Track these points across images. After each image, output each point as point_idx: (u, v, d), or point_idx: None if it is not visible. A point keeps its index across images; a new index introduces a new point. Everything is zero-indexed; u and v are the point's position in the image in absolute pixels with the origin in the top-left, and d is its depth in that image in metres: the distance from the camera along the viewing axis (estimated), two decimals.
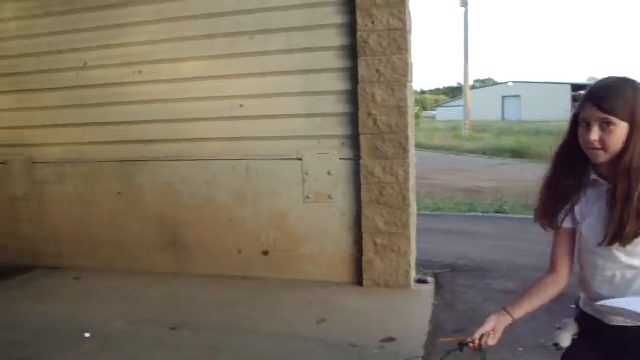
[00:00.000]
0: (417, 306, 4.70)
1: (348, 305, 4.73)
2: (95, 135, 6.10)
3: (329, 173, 5.24)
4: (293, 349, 3.94)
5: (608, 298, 1.71)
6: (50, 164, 6.31)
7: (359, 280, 5.19)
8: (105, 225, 6.12)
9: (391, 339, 3.98)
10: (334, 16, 5.06)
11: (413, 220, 5.13)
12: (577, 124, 1.71)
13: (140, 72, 5.81)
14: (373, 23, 4.86)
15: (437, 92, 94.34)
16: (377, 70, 4.89)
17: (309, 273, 5.36)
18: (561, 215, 1.81)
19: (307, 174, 5.31)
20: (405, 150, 4.92)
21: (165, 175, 5.87)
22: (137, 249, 5.99)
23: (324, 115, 5.20)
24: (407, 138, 4.91)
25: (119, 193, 6.06)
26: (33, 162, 6.38)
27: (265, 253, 5.54)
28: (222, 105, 5.53)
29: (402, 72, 4.85)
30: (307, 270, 5.38)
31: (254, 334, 4.22)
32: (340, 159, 5.19)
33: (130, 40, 5.81)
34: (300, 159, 5.31)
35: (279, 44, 5.26)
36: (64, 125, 6.19)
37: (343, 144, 5.17)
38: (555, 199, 1.81)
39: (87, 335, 4.30)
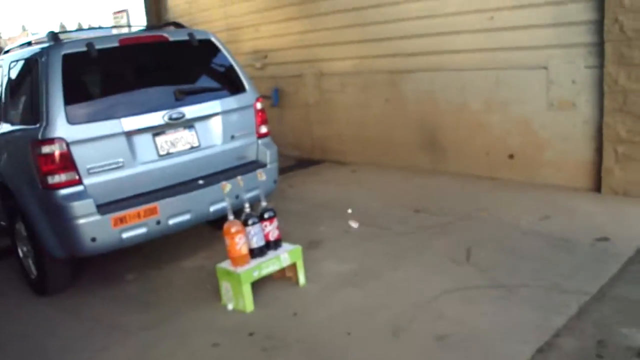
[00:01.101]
0: None
1: (576, 208, 4.96)
2: (371, 50, 7.09)
3: (573, 81, 5.32)
4: (510, 236, 4.47)
5: None
6: (335, 75, 7.58)
7: (596, 187, 5.28)
8: (376, 127, 7.20)
9: (605, 239, 4.21)
10: None
11: None
12: None
13: None
14: None
15: None
16: None
17: (550, 177, 5.63)
18: None
19: (552, 82, 5.47)
20: None
21: (425, 83, 6.59)
22: (400, 148, 6.96)
23: (569, 24, 5.22)
24: None
25: (386, 100, 7.03)
26: (322, 75, 7.73)
27: (511, 156, 5.95)
28: (475, 19, 5.93)
29: None
30: (547, 174, 5.65)
31: (483, 221, 4.84)
32: (585, 67, 5.21)
33: None
34: (546, 68, 5.48)
35: None
36: (346, 43, 7.33)
37: (589, 52, 5.17)
38: None
39: (350, 210, 5.47)
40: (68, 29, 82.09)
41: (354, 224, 5.09)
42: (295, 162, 8.01)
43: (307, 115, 8.09)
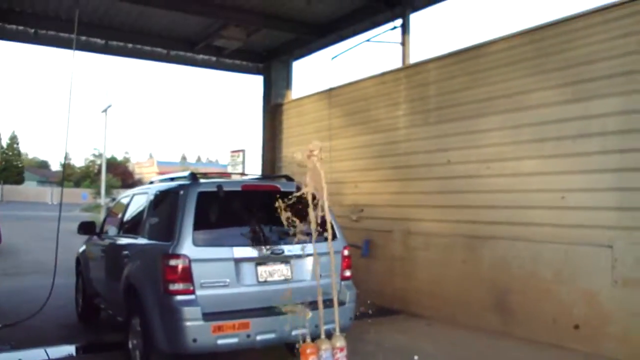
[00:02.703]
0: None
1: None
2: (452, 215, 7.89)
3: (636, 261, 5.77)
4: None
5: None
6: (420, 234, 8.38)
7: None
8: (453, 286, 7.77)
9: None
10: None
11: None
12: None
13: (488, 167, 7.38)
14: None
15: None
16: None
17: (612, 350, 5.88)
18: None
19: (616, 260, 5.94)
20: None
21: (500, 250, 7.20)
22: (474, 308, 7.43)
23: (633, 209, 5.81)
24: None
25: (463, 261, 7.66)
26: (409, 233, 8.56)
27: (576, 327, 6.28)
28: (548, 197, 6.64)
29: None
30: (611, 347, 5.91)
31: None
32: None
33: (482, 143, 7.47)
34: (611, 247, 5.98)
35: (596, 146, 6.15)
36: (431, 206, 8.21)
37: None
38: None
39: (416, 357, 5.97)
40: (188, 160, 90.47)
41: (416, 358, 5.63)
42: (375, 310, 8.59)
43: (392, 267, 8.82)
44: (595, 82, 6.18)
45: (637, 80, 5.83)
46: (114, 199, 29.97)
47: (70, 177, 61.18)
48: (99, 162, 59.28)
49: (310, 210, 4.65)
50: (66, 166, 63.41)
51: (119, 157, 74.88)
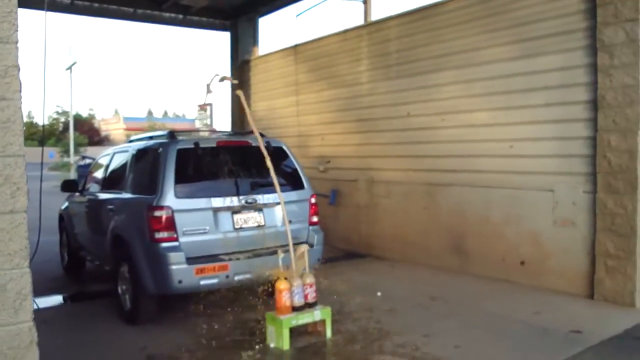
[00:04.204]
0: (628, 319, 5.59)
1: (566, 308, 5.95)
2: (412, 164, 8.49)
3: (573, 203, 6.46)
4: (501, 322, 5.51)
5: None
6: (382, 183, 8.98)
7: (590, 294, 6.25)
8: (414, 230, 8.44)
9: (578, 331, 5.19)
10: (581, 77, 6.33)
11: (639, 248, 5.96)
12: None
13: (443, 119, 7.95)
14: (611, 82, 5.99)
15: None
16: (613, 121, 5.99)
17: (553, 284, 6.63)
18: None
19: (557, 202, 6.63)
20: (633, 188, 5.86)
21: (455, 196, 7.85)
22: (432, 249, 8.13)
23: (571, 156, 6.46)
24: (636, 178, 5.85)
25: (424, 207, 8.31)
26: (372, 181, 9.15)
27: (522, 263, 7.01)
28: (497, 146, 7.25)
29: (634, 122, 5.84)
30: (551, 281, 6.66)
31: (481, 311, 5.90)
32: (583, 192, 6.36)
33: (439, 97, 8.01)
34: (552, 190, 6.66)
35: (541, 99, 6.74)
36: (392, 156, 8.79)
37: (586, 180, 6.34)
38: None
39: (379, 293, 6.64)
40: (154, 115, 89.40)
41: (379, 293, 6.34)
42: (344, 254, 9.27)
43: (358, 215, 9.44)
44: (539, 40, 6.72)
45: (574, 39, 6.39)
46: (83, 157, 29.90)
47: (33, 135, 60.05)
48: (62, 119, 58.40)
49: (267, 159, 5.22)
50: (29, 125, 62.25)
51: (84, 114, 73.61)
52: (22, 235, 2.28)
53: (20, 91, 2.30)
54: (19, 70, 2.31)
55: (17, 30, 2.30)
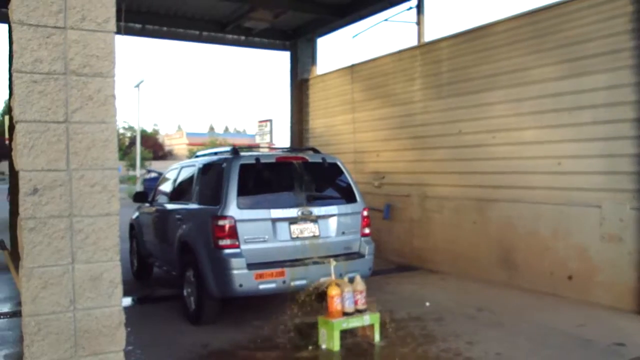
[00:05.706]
0: None
1: (611, 321, 6.08)
2: (463, 180, 8.75)
3: (620, 219, 6.58)
4: (548, 334, 5.71)
5: None
6: (434, 198, 9.27)
7: (637, 309, 6.35)
8: (464, 244, 8.68)
9: (621, 344, 5.35)
10: (628, 95, 6.48)
11: None
12: None
13: (494, 137, 8.20)
14: None
15: None
16: None
17: (600, 297, 6.75)
18: None
19: (604, 218, 6.76)
20: None
21: (505, 211, 8.06)
22: (481, 263, 8.34)
23: (618, 173, 6.60)
24: None
25: (474, 222, 8.54)
26: (425, 197, 9.45)
27: (570, 278, 7.15)
28: (546, 163, 7.45)
29: None
30: (598, 295, 6.78)
31: (526, 322, 6.11)
32: (631, 208, 6.49)
33: (489, 115, 8.27)
34: (600, 207, 6.80)
35: (588, 117, 6.92)
36: (444, 173, 9.07)
37: (634, 196, 6.46)
38: None
39: (427, 304, 6.93)
40: (216, 130, 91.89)
41: (427, 303, 6.63)
42: (396, 267, 9.59)
43: (410, 229, 9.75)
44: (586, 60, 6.92)
45: (621, 58, 6.56)
46: (149, 171, 31.35)
47: None
48: (129, 134, 60.98)
49: None
50: None
51: (149, 130, 76.52)
52: (115, 233, 2.76)
53: (115, 115, 2.80)
54: (115, 98, 2.81)
55: (115, 67, 2.81)
